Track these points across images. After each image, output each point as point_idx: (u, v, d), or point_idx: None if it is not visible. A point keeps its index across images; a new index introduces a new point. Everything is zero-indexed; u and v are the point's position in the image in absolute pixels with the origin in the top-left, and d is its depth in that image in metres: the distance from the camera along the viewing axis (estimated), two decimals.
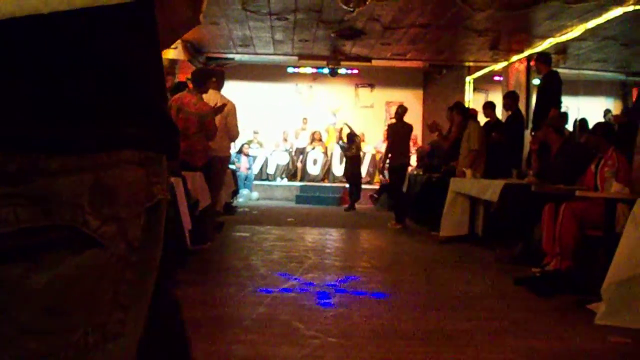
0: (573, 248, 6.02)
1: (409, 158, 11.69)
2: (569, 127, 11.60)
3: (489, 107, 11.02)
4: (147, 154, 0.77)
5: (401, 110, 11.25)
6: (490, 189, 7.77)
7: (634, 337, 4.32)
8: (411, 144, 12.40)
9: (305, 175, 16.97)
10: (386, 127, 13.15)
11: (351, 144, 14.16)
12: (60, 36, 0.71)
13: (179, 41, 11.94)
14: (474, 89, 16.39)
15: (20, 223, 0.69)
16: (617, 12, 9.95)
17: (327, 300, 5.16)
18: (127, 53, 0.77)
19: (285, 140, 17.47)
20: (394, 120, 11.65)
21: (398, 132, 11.24)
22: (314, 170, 16.76)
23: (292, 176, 17.15)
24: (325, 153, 17.30)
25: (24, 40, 0.69)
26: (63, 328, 0.72)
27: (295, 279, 5.84)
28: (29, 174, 0.68)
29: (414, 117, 15.20)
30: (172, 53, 12.33)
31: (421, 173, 12.12)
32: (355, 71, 16.54)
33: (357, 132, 15.07)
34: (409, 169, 12.30)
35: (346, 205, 14.31)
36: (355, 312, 4.88)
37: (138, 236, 0.76)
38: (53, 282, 0.70)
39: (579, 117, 12.56)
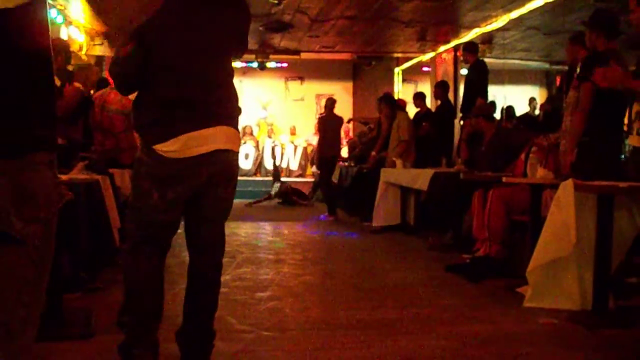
0: (502, 233, 6.12)
1: (339, 150, 11.78)
2: (497, 115, 11.81)
3: (419, 97, 11.15)
4: (53, 155, 0.79)
5: (330, 103, 11.35)
6: (421, 178, 7.86)
7: (561, 318, 4.44)
8: (343, 135, 12.49)
9: None
10: (316, 120, 13.17)
11: None
12: None
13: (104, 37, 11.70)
14: (404, 80, 16.56)
15: None
16: (539, 2, 10.16)
17: (260, 294, 5.14)
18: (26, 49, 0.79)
19: None
20: (324, 113, 11.74)
21: (328, 125, 11.32)
22: (245, 164, 16.64)
23: None
24: (257, 147, 17.22)
25: None
26: None
27: (228, 274, 5.79)
28: None
29: (345, 109, 15.26)
30: (98, 49, 12.03)
31: (352, 165, 12.18)
32: (285, 64, 16.53)
33: (288, 125, 15.08)
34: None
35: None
36: (288, 305, 4.87)
37: (39, 235, 0.78)
38: None
39: (506, 105, 12.80)
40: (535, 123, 6.74)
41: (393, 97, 11.95)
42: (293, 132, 17.69)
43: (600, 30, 5.11)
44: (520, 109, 13.31)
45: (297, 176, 16.55)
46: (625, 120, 5.09)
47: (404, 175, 8.70)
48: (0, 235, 0.73)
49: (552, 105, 8.52)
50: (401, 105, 11.09)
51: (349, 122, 13.98)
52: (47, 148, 0.76)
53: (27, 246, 0.77)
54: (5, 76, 0.74)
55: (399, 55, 15.74)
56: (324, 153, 11.41)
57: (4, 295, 0.75)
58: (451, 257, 6.76)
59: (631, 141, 4.91)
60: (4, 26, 0.81)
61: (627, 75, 4.69)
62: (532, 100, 15.07)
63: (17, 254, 0.74)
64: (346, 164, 12.68)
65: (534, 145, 6.19)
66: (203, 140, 2.93)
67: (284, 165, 17.03)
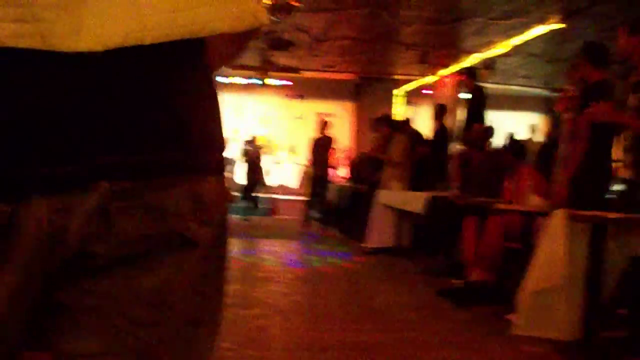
0: (495, 260, 6.09)
1: (326, 170, 12.14)
2: (498, 140, 11.80)
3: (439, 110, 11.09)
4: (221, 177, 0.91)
5: (322, 123, 11.54)
6: (415, 201, 7.84)
7: (546, 346, 4.41)
8: (333, 154, 12.77)
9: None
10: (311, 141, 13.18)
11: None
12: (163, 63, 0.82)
13: None
14: (405, 102, 16.55)
15: (139, 231, 0.80)
16: (540, 29, 10.20)
17: (246, 312, 5.10)
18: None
19: None
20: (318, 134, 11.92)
21: (319, 145, 11.56)
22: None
23: None
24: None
25: (139, 68, 0.79)
26: (168, 320, 0.85)
27: None
28: (143, 190, 0.80)
29: (345, 129, 15.24)
30: None
31: (348, 185, 12.20)
32: (286, 82, 16.53)
33: (288, 142, 15.16)
34: (338, 179, 12.49)
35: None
36: (274, 324, 4.84)
37: (217, 236, 0.90)
38: (159, 282, 0.83)
39: (507, 132, 12.78)
40: (521, 150, 6.73)
41: (390, 118, 11.97)
42: (292, 150, 17.63)
43: (591, 61, 5.16)
44: (520, 135, 13.29)
45: (297, 194, 16.48)
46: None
47: (399, 197, 8.68)
48: (177, 237, 0.83)
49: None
50: (399, 126, 11.08)
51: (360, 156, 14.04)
52: (217, 172, 0.94)
53: (203, 247, 0.87)
54: (202, 99, 0.90)
55: (400, 77, 15.75)
56: (315, 172, 11.56)
57: (195, 291, 0.88)
58: (443, 282, 6.71)
59: (622, 172, 4.92)
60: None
61: (617, 111, 4.74)
62: (532, 127, 15.01)
63: (201, 254, 0.87)
64: (346, 184, 12.68)
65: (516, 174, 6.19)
66: None
67: (281, 182, 16.98)
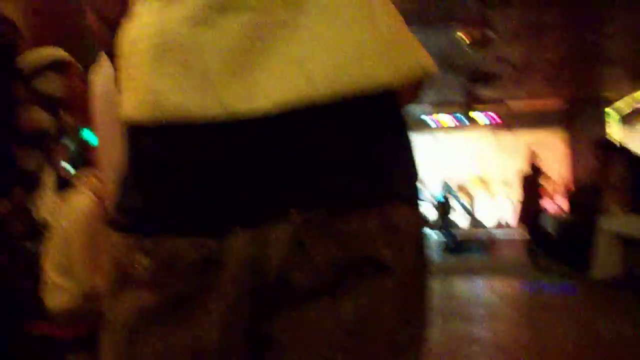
0: None
1: (539, 203, 11.91)
2: None
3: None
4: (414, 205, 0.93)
5: (533, 156, 11.27)
6: None
7: None
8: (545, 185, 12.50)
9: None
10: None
11: None
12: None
13: None
14: (620, 121, 15.65)
15: (333, 257, 0.83)
16: None
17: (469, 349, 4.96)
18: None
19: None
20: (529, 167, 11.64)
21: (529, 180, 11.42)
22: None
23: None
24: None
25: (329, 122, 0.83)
26: (368, 345, 0.85)
27: None
28: (334, 218, 0.83)
29: (557, 157, 14.62)
30: None
31: (567, 215, 11.70)
32: (493, 115, 16.21)
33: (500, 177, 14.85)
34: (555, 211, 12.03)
35: None
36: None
37: (413, 262, 0.90)
38: (357, 310, 0.84)
39: None
40: None
41: (609, 141, 11.34)
42: (507, 184, 17.16)
43: None
44: None
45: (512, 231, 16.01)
46: None
47: (624, 222, 8.11)
48: (370, 262, 0.86)
49: None
50: (616, 147, 10.44)
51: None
52: (409, 200, 0.97)
53: (398, 273, 0.87)
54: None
55: (611, 95, 14.90)
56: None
57: (391, 316, 0.89)
58: None
59: None
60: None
61: None
62: None
63: (396, 280, 0.88)
64: (564, 215, 12.19)
65: None
66: None
67: (498, 218, 16.58)
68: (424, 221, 0.97)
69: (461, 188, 16.91)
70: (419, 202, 0.95)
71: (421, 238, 0.93)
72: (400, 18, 0.93)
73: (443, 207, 14.90)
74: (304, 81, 0.79)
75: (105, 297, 0.91)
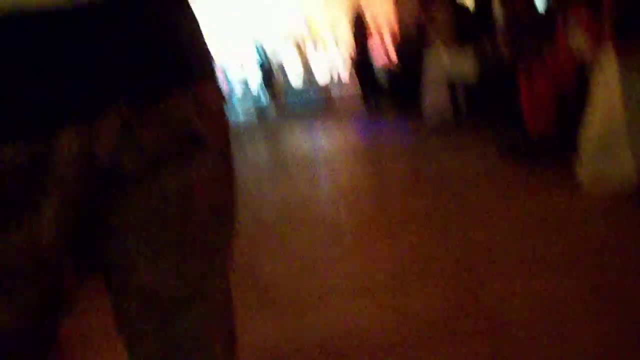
0: (549, 110, 5.77)
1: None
2: None
3: None
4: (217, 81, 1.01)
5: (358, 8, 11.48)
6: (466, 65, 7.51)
7: (614, 199, 4.19)
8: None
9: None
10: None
11: None
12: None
13: None
14: None
15: (157, 137, 0.88)
16: None
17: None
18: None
19: None
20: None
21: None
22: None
23: None
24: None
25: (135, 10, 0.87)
26: (191, 213, 0.93)
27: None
28: (155, 103, 0.88)
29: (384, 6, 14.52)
30: None
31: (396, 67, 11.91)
32: None
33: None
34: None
35: None
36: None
37: (226, 133, 1.00)
38: (180, 183, 0.91)
39: None
40: None
41: None
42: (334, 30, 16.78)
43: None
44: None
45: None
46: None
47: (448, 60, 8.33)
48: (189, 136, 0.93)
49: None
50: None
51: None
52: (212, 77, 1.05)
53: (212, 144, 0.95)
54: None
55: None
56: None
57: (227, 192, 1.01)
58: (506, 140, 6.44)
59: None
60: None
61: None
62: None
63: (215, 155, 0.97)
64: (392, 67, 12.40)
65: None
66: None
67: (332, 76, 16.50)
68: (223, 95, 1.03)
69: (294, 45, 16.49)
70: (217, 76, 1.02)
71: (224, 110, 1.01)
72: None
73: (265, 70, 14.93)
74: None
75: None
